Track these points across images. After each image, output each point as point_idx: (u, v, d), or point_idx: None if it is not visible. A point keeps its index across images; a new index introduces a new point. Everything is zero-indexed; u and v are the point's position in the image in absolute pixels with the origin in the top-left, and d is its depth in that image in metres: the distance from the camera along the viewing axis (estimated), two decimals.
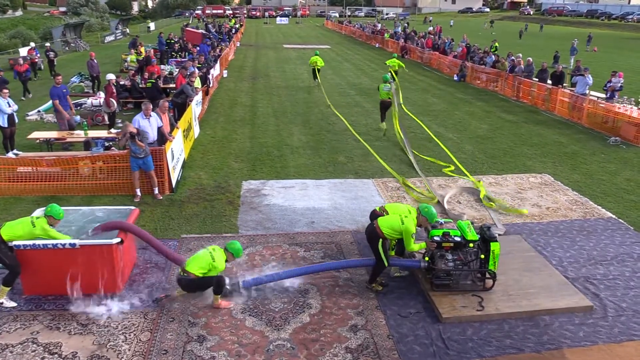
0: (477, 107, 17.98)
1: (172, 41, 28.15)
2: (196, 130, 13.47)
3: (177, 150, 10.27)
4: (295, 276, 6.53)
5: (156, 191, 9.25)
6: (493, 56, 23.26)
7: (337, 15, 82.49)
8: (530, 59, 20.30)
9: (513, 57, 21.31)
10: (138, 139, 8.77)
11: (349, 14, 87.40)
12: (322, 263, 6.81)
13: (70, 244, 6.00)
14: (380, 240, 6.19)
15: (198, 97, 14.59)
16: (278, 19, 77.83)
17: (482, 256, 6.25)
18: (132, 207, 7.20)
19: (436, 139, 13.40)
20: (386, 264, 6.25)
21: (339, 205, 9.12)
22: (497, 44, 28.71)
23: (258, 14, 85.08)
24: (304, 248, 7.52)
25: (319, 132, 14.14)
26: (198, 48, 25.53)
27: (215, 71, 21.20)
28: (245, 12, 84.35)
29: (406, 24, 53.25)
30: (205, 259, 6.00)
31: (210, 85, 19.00)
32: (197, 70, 15.90)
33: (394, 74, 18.82)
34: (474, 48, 27.00)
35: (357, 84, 22.35)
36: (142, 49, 24.56)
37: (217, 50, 26.08)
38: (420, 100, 19.13)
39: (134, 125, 8.98)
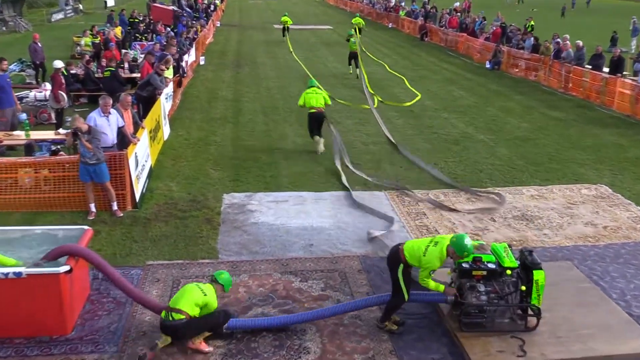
0: (514, 102, 18.05)
1: (137, 20, 28.36)
2: (166, 131, 13.51)
3: (142, 156, 10.28)
4: (294, 323, 6.44)
5: (115, 207, 9.23)
6: (532, 38, 23.39)
7: None
8: (580, 42, 20.42)
9: (559, 40, 21.43)
10: (85, 138, 8.68)
11: None
12: (328, 307, 6.69)
13: (14, 273, 5.94)
14: (401, 265, 6.15)
15: (168, 90, 14.64)
16: None
17: (523, 288, 6.23)
18: (85, 227, 7.17)
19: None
20: (406, 297, 6.21)
21: (343, 224, 9.11)
22: (532, 22, 28.87)
23: None
24: (300, 277, 7.49)
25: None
26: (169, 29, 25.74)
27: (190, 57, 21.31)
28: None
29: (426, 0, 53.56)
30: (196, 293, 5.93)
31: (184, 74, 19.09)
32: (171, 58, 15.94)
33: (357, 30, 26.01)
34: (510, 28, 27.16)
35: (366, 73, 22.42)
36: (118, 30, 25.05)
37: (192, 31, 26.27)
38: (443, 92, 19.21)
39: (89, 123, 8.96)
